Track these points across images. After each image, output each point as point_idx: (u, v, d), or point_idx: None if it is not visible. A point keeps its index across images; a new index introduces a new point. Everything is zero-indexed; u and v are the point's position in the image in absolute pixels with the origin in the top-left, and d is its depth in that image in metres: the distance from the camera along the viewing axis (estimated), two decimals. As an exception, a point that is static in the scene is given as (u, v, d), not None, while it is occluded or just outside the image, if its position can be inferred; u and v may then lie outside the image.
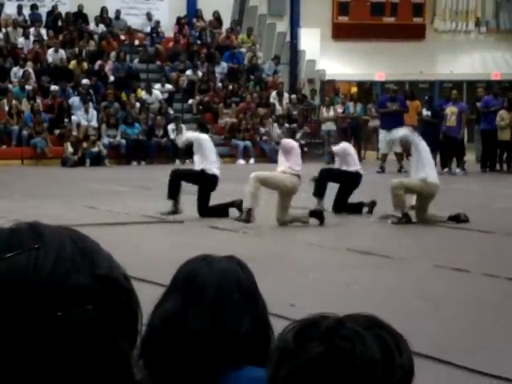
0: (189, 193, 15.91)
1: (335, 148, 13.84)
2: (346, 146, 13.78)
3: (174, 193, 12.82)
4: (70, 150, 22.97)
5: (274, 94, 26.82)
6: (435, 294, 7.83)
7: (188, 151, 14.00)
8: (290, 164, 12.01)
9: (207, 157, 13.14)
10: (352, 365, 1.23)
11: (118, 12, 27.80)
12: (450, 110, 21.20)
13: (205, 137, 13.57)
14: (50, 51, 25.67)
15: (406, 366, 1.28)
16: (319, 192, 13.25)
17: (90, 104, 24.35)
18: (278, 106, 26.54)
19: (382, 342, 1.27)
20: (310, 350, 1.25)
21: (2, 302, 0.98)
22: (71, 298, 0.99)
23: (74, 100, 24.43)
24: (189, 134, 14.51)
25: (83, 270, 1.01)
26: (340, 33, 30.67)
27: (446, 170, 21.49)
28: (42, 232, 1.04)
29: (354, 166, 13.40)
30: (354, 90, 29.83)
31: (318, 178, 13.29)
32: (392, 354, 1.27)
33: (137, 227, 12.05)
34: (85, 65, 25.66)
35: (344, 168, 13.33)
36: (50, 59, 25.53)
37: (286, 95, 27.09)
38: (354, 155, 13.76)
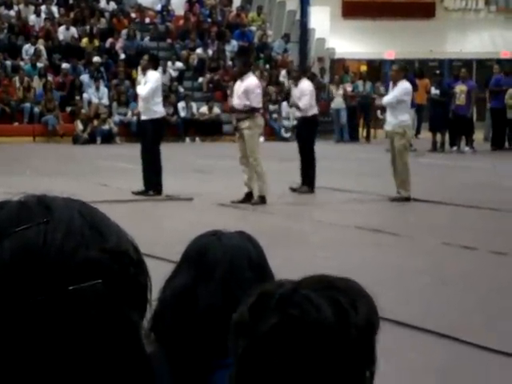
0: (195, 170, 16.02)
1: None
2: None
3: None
4: (81, 127, 23.09)
5: (283, 72, 26.85)
6: (443, 271, 7.94)
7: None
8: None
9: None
10: (305, 332, 1.22)
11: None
12: (460, 89, 21.22)
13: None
14: (61, 29, 25.73)
15: (363, 324, 1.24)
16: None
17: (101, 82, 24.43)
18: (287, 84, 26.57)
19: (336, 303, 1.24)
20: (264, 323, 1.23)
21: (11, 278, 0.97)
22: (81, 273, 0.99)
23: (85, 77, 24.52)
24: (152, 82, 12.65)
25: (92, 243, 1.00)
26: (350, 11, 30.62)
27: (454, 148, 21.56)
28: (50, 205, 1.02)
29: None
30: (364, 68, 29.80)
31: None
32: (347, 313, 1.24)
33: (146, 204, 12.17)
34: (96, 42, 25.73)
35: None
36: (61, 37, 25.60)
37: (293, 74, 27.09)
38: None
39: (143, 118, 12.62)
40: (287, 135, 24.47)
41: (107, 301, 0.99)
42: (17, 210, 1.02)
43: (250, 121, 12.00)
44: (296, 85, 13.65)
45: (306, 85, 13.59)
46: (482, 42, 31.84)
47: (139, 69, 13.29)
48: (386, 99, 12.76)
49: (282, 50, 28.11)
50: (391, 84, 13.17)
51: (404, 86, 12.55)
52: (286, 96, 25.70)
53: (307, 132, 13.41)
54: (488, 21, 32.23)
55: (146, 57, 12.83)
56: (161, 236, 9.14)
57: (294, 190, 13.11)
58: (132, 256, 1.03)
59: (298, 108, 13.50)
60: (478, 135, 22.39)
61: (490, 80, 23.03)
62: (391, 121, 12.56)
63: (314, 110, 13.64)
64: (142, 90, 12.45)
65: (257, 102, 12.06)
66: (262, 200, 11.90)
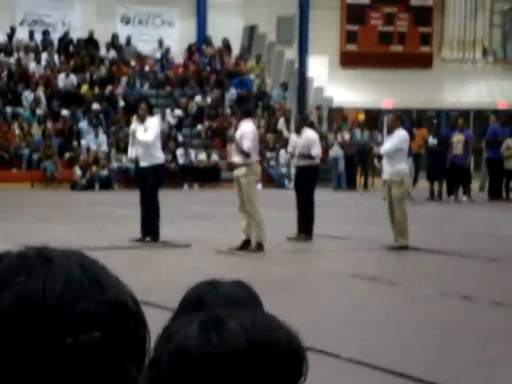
0: (193, 217, 16.03)
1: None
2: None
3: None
4: (79, 173, 23.15)
5: (281, 120, 27.02)
6: (441, 321, 7.90)
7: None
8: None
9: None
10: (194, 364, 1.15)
11: (128, 38, 28.10)
12: (457, 138, 21.33)
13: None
14: (61, 76, 25.94)
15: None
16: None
17: (100, 128, 24.56)
18: (285, 132, 26.72)
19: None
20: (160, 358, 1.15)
21: (11, 329, 0.97)
22: (80, 325, 0.98)
23: (84, 124, 24.66)
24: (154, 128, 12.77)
25: (91, 295, 1.00)
26: (348, 60, 30.91)
27: (452, 197, 21.60)
28: (50, 257, 1.03)
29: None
30: (362, 117, 30.00)
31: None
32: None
33: (144, 251, 12.14)
34: (95, 90, 25.92)
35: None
36: (60, 84, 25.79)
37: (292, 121, 27.29)
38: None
39: (143, 164, 12.63)
40: (289, 184, 24.62)
41: (105, 353, 0.99)
42: (16, 262, 1.03)
43: (246, 168, 12.04)
44: (299, 134, 13.57)
45: (311, 133, 13.69)
46: (480, 93, 32.09)
47: (135, 117, 13.28)
48: (384, 148, 12.80)
49: (281, 98, 28.32)
50: (385, 132, 13.29)
51: (401, 134, 12.62)
52: (285, 144, 25.83)
53: (310, 180, 13.46)
54: (485, 71, 32.52)
55: (143, 105, 12.87)
56: (158, 283, 9.11)
57: (290, 239, 13.08)
58: (131, 308, 1.04)
59: (308, 157, 13.36)
60: (475, 185, 22.46)
61: (487, 130, 23.18)
62: (388, 169, 12.60)
63: (318, 159, 13.71)
64: (147, 136, 12.46)
65: (248, 146, 12.06)
66: (260, 247, 11.90)
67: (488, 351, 6.86)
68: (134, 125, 12.91)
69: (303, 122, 14.15)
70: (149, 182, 12.59)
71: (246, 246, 11.94)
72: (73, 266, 1.03)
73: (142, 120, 12.60)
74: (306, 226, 13.12)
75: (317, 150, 13.44)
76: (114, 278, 1.06)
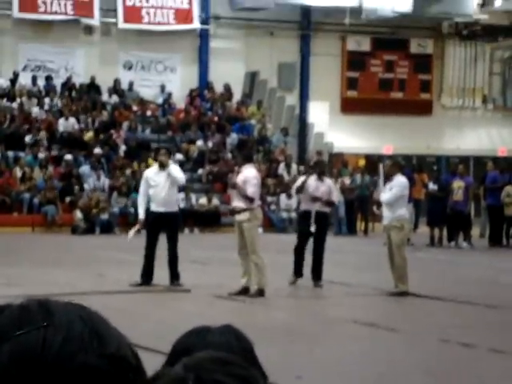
0: (193, 261, 16.02)
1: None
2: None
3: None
4: (80, 216, 23.17)
5: (282, 165, 27.14)
6: (441, 370, 7.87)
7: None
8: None
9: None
10: None
11: (130, 84, 28.35)
12: (457, 185, 21.39)
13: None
14: (62, 120, 26.12)
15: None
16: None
17: (102, 172, 24.66)
18: (286, 177, 26.82)
19: None
20: None
21: (10, 381, 0.97)
22: (79, 378, 0.98)
23: (86, 168, 24.76)
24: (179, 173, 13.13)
25: (91, 348, 1.00)
26: (349, 107, 31.11)
27: (452, 243, 21.59)
28: (51, 310, 1.03)
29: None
30: (362, 162, 30.11)
31: None
32: None
33: (144, 295, 12.12)
34: (98, 134, 26.08)
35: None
36: (61, 128, 25.95)
37: (294, 166, 27.40)
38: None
39: (168, 210, 12.74)
40: (291, 227, 24.67)
41: None
42: (17, 314, 1.03)
43: (249, 213, 12.08)
44: (322, 180, 13.46)
45: (330, 181, 13.88)
46: (479, 139, 32.25)
47: (154, 163, 13.36)
48: (385, 198, 12.79)
49: (281, 143, 28.46)
50: (381, 179, 13.37)
51: (401, 181, 12.68)
52: (285, 188, 25.90)
53: (326, 226, 13.67)
54: (485, 119, 32.71)
55: (163, 151, 13.12)
56: (157, 328, 9.09)
57: (318, 285, 13.03)
58: (131, 362, 1.04)
59: (329, 204, 13.47)
60: (475, 231, 22.47)
61: (485, 177, 23.27)
62: (388, 215, 12.63)
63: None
64: (181, 179, 12.82)
65: (252, 192, 12.13)
66: (261, 293, 11.87)
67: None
68: (152, 171, 12.95)
69: (324, 167, 14.24)
70: (174, 227, 12.87)
71: (245, 291, 11.92)
72: (74, 319, 1.03)
73: (163, 166, 12.68)
74: (318, 271, 13.13)
75: (335, 197, 13.70)
76: (115, 330, 1.06)
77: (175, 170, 12.85)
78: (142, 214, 13.01)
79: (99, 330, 1.04)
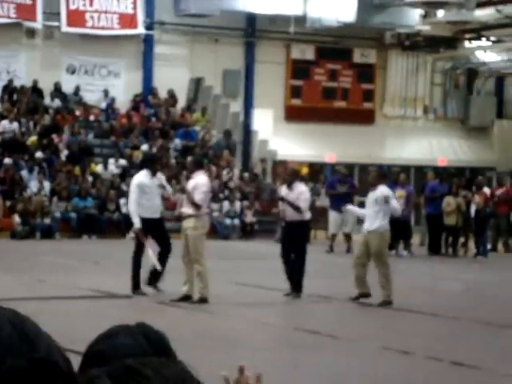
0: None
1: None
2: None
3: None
4: (18, 221, 22.86)
5: (225, 171, 27.18)
6: (381, 377, 7.96)
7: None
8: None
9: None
10: None
11: (77, 88, 28.14)
12: (399, 194, 21.63)
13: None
14: (4, 122, 25.77)
15: None
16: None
17: (43, 177, 24.39)
18: (230, 184, 26.90)
19: None
20: None
21: None
22: (7, 382, 0.97)
23: (26, 172, 24.46)
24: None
25: (21, 353, 0.99)
26: (292, 114, 31.29)
27: (393, 251, 21.83)
28: None
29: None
30: (305, 170, 30.30)
31: None
32: None
33: (84, 301, 12.02)
34: (40, 138, 25.79)
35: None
36: (1, 129, 25.60)
37: (236, 172, 27.49)
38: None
39: (160, 216, 12.84)
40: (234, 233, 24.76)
41: None
42: None
43: (195, 220, 12.03)
44: (290, 188, 12.98)
45: (303, 188, 13.27)
46: (420, 149, 32.70)
47: (145, 171, 12.97)
48: (397, 211, 12.88)
49: (224, 147, 28.46)
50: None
51: (388, 190, 12.81)
52: (229, 194, 25.93)
53: (304, 235, 13.19)
54: (426, 128, 33.18)
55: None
56: (92, 335, 9.00)
57: (288, 294, 12.71)
58: (61, 367, 1.03)
59: (297, 210, 12.79)
60: (415, 240, 22.75)
61: (425, 186, 23.58)
62: (372, 225, 12.57)
63: (309, 214, 13.36)
64: (168, 189, 13.25)
65: (200, 199, 12.12)
66: (203, 301, 11.85)
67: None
68: (145, 178, 12.67)
69: (296, 175, 13.59)
70: (166, 231, 13.01)
71: (186, 299, 11.89)
72: (3, 323, 1.01)
73: (154, 174, 12.75)
74: (296, 281, 12.68)
75: (306, 204, 12.95)
76: (46, 335, 1.05)
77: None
78: (139, 223, 12.50)
79: (29, 334, 1.02)
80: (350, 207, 13.59)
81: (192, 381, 1.22)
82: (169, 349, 1.94)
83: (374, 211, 12.51)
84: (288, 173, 13.90)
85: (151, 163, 12.98)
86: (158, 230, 12.75)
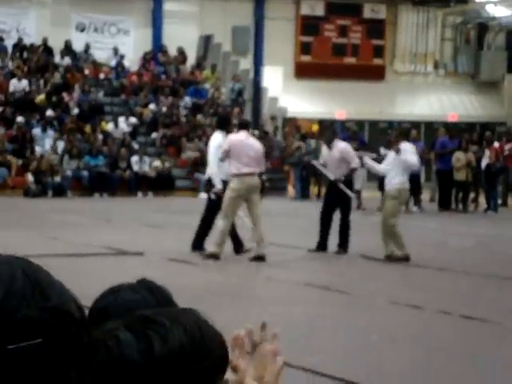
0: (150, 225, 16.05)
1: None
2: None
3: None
4: (31, 179, 23.00)
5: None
6: (390, 330, 8.06)
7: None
8: None
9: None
10: (110, 369, 1.17)
11: (87, 46, 28.07)
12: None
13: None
14: (14, 81, 25.78)
15: (166, 354, 1.17)
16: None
17: (54, 135, 24.46)
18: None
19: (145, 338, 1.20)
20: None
21: None
22: (21, 331, 0.98)
23: (38, 131, 24.53)
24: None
25: (34, 302, 1.00)
26: (302, 72, 31.17)
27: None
28: None
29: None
30: (315, 127, 30.28)
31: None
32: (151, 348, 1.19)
33: (96, 258, 12.14)
34: (50, 97, 25.81)
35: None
36: (11, 88, 25.62)
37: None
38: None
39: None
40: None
41: (47, 359, 0.99)
42: None
43: (231, 181, 11.95)
44: (330, 148, 12.89)
45: (343, 144, 13.13)
46: (431, 105, 32.58)
47: (217, 131, 12.81)
48: (415, 164, 12.74)
49: (234, 97, 28.40)
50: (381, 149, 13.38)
51: (408, 147, 12.70)
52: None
53: (344, 199, 13.01)
54: (436, 84, 33.02)
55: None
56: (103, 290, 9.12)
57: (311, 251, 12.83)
58: (74, 315, 1.05)
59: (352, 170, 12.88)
60: (424, 196, 22.79)
61: (435, 142, 23.54)
62: (394, 181, 12.57)
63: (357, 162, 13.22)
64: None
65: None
66: (213, 257, 11.93)
67: (434, 360, 7.03)
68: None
69: (334, 134, 13.29)
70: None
71: (259, 259, 11.81)
72: (15, 273, 1.02)
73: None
74: (344, 238, 12.78)
75: (357, 161, 12.92)
76: (58, 284, 1.06)
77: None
78: (220, 184, 12.26)
79: (42, 283, 1.04)
80: (367, 159, 13.42)
81: (208, 328, 1.25)
82: (172, 302, 1.97)
83: (394, 168, 12.49)
84: (326, 133, 13.57)
85: (225, 124, 12.75)
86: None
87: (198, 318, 1.25)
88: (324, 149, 13.40)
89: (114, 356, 1.15)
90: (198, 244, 12.44)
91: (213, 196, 12.33)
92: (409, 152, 12.47)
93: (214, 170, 12.37)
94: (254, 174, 11.95)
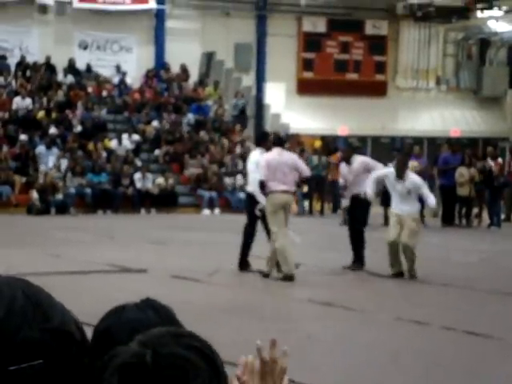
0: (150, 242, 16.06)
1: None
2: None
3: None
4: (36, 196, 23.04)
5: (239, 146, 27.23)
6: (395, 347, 8.04)
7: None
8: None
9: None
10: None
11: (88, 64, 28.20)
12: (412, 165, 21.63)
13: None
14: (17, 99, 25.88)
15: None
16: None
17: (57, 152, 24.52)
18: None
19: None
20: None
21: None
22: (22, 352, 0.98)
23: (41, 149, 24.59)
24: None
25: (35, 323, 1.00)
26: (305, 88, 31.25)
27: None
28: None
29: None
30: (318, 143, 30.33)
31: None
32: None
33: (99, 275, 12.14)
34: (53, 114, 25.89)
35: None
36: (14, 106, 25.71)
37: (250, 145, 27.53)
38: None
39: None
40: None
41: (48, 380, 0.99)
42: None
43: (266, 198, 12.03)
44: (349, 163, 13.14)
45: (362, 158, 13.52)
46: (433, 121, 32.62)
47: (256, 149, 12.85)
48: (433, 203, 12.95)
49: (237, 113, 28.47)
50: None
51: (418, 180, 12.88)
52: (242, 168, 26.01)
53: (363, 210, 13.22)
54: (438, 100, 33.08)
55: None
56: (107, 308, 9.12)
57: (346, 268, 12.89)
58: (75, 336, 1.05)
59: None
60: (428, 211, 22.76)
61: (438, 158, 23.56)
62: (408, 208, 12.64)
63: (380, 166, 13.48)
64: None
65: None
66: (288, 279, 11.78)
67: (435, 375, 7.02)
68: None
69: (351, 151, 13.64)
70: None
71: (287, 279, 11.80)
72: (16, 294, 1.02)
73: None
74: (358, 255, 12.91)
75: (380, 166, 13.20)
76: (59, 305, 1.06)
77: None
78: (265, 201, 12.24)
79: (42, 304, 1.04)
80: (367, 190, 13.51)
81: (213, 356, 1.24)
82: (176, 322, 1.97)
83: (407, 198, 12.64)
84: (344, 152, 13.88)
85: (263, 141, 12.78)
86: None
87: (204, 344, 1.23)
88: (343, 167, 13.51)
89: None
90: (243, 263, 12.43)
91: (258, 213, 12.32)
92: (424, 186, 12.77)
93: (254, 187, 12.40)
94: (288, 191, 12.03)
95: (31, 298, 1.03)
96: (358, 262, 13.00)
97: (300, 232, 19.28)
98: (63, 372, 1.01)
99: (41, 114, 25.70)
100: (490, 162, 22.71)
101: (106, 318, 2.03)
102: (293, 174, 12.06)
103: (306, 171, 12.26)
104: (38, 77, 27.05)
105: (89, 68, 28.20)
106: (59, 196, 23.24)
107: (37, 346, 0.99)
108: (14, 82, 26.80)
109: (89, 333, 1.16)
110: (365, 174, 13.00)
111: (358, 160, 13.24)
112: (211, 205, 24.73)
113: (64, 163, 24.30)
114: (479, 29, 32.99)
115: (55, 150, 24.56)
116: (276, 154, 12.11)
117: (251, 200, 12.45)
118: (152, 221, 22.11)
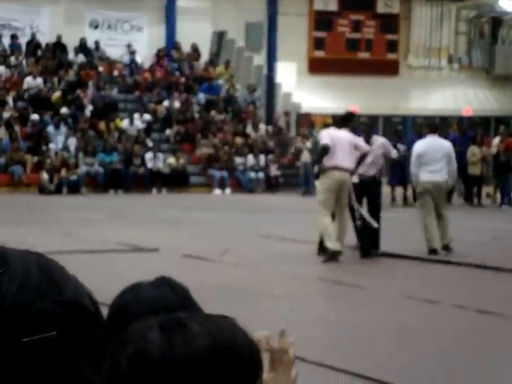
0: (164, 221, 16.09)
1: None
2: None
3: None
4: (46, 177, 23.09)
5: (250, 125, 27.20)
6: (404, 325, 8.05)
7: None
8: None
9: None
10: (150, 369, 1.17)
11: (97, 43, 28.14)
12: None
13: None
14: (28, 78, 25.89)
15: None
16: None
17: (68, 132, 24.56)
18: (254, 136, 26.91)
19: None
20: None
21: None
22: (35, 324, 0.98)
23: (52, 128, 24.63)
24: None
25: (48, 295, 1.00)
26: (316, 67, 31.14)
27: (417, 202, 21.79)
28: (7, 257, 1.02)
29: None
30: (330, 121, 30.26)
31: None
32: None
33: (111, 255, 12.18)
34: (64, 94, 25.90)
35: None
36: (25, 85, 25.73)
37: (261, 126, 27.48)
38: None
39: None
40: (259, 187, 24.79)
41: (61, 353, 0.99)
42: None
43: (321, 175, 11.96)
44: (369, 143, 12.61)
45: (381, 140, 13.14)
46: (445, 99, 32.47)
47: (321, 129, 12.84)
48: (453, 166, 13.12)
49: (249, 101, 28.42)
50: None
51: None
52: (253, 148, 25.96)
53: (379, 195, 12.96)
54: (450, 78, 32.92)
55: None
56: (119, 287, 9.15)
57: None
58: (88, 309, 1.05)
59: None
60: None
61: (447, 138, 23.41)
62: (439, 175, 12.65)
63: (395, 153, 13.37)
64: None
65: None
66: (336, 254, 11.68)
67: (447, 354, 7.02)
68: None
69: (371, 129, 13.37)
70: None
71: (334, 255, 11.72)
72: (30, 266, 1.02)
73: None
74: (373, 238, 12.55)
75: (395, 152, 13.03)
76: (73, 278, 1.06)
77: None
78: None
79: (56, 277, 1.04)
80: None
81: (238, 336, 1.20)
82: (191, 299, 1.98)
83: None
84: (365, 130, 13.30)
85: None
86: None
87: (231, 326, 1.21)
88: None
89: (137, 352, 1.14)
90: (367, 249, 12.30)
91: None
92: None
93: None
94: (347, 169, 11.85)
95: (44, 271, 1.03)
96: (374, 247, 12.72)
97: (310, 211, 19.30)
98: (77, 344, 1.01)
99: (56, 95, 25.68)
100: (497, 140, 22.62)
101: (123, 296, 2.04)
102: (352, 154, 11.91)
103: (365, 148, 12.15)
104: (49, 56, 27.04)
105: (97, 46, 28.14)
106: (73, 177, 23.28)
107: (50, 319, 1.00)
108: (24, 62, 26.81)
109: (104, 311, 1.16)
110: (381, 158, 12.86)
111: (379, 141, 12.95)
112: (222, 184, 24.74)
113: (73, 142, 24.33)
114: (491, 7, 32.76)
115: (63, 130, 24.58)
116: (342, 133, 11.98)
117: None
118: (163, 200, 22.15)
